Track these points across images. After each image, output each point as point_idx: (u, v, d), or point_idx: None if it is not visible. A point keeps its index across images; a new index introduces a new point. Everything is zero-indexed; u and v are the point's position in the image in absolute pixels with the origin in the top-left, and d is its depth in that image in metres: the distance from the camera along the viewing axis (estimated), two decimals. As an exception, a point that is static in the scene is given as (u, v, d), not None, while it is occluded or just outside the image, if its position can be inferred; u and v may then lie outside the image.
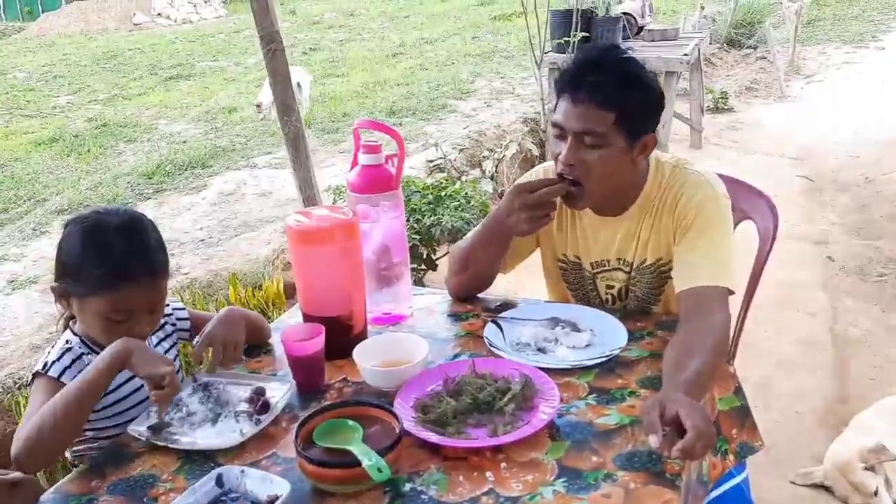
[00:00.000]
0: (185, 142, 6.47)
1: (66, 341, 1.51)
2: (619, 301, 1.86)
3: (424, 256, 3.54)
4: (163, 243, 1.51)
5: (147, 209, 4.85)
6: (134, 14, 16.34)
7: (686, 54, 5.60)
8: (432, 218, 3.37)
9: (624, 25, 5.90)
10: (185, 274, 3.56)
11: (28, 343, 3.26)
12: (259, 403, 1.45)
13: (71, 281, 1.45)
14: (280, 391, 1.49)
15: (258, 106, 7.11)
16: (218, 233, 4.45)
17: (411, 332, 1.73)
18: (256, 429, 1.39)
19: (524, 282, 1.81)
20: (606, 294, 1.87)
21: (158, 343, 1.61)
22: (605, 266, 1.83)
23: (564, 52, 5.36)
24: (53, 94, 9.54)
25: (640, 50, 4.91)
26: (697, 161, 1.84)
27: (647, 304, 1.85)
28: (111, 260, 1.41)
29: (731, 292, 1.61)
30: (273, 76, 3.23)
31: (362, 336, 1.66)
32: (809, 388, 3.04)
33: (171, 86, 9.49)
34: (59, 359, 1.45)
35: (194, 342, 1.62)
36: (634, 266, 1.80)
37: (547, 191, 1.62)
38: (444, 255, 3.61)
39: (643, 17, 6.34)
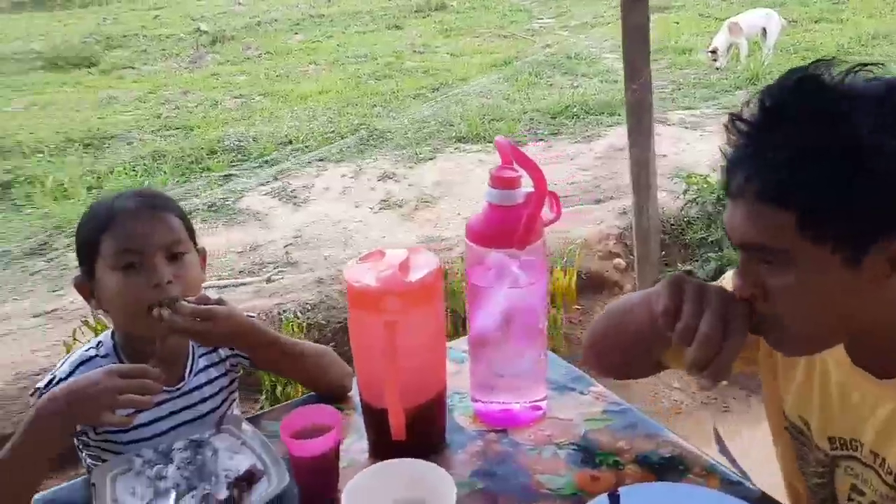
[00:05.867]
0: (615, 81, 6.08)
1: (99, 344, 1.28)
2: None
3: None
4: (174, 202, 1.29)
5: (535, 150, 4.66)
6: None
7: None
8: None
9: None
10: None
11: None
12: (237, 496, 1.09)
13: (82, 256, 1.24)
14: (269, 487, 1.11)
15: (712, 52, 6.31)
16: (582, 193, 4.05)
17: (511, 451, 1.18)
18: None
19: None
20: (850, 498, 1.00)
21: (205, 368, 1.33)
22: (850, 450, 0.97)
23: None
24: (537, 16, 9.92)
25: None
26: None
27: None
28: (108, 205, 1.22)
29: None
30: (624, 25, 2.61)
31: (420, 443, 1.15)
32: None
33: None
34: (67, 375, 1.22)
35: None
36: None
37: None
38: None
39: None
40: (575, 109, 5.28)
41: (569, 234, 3.24)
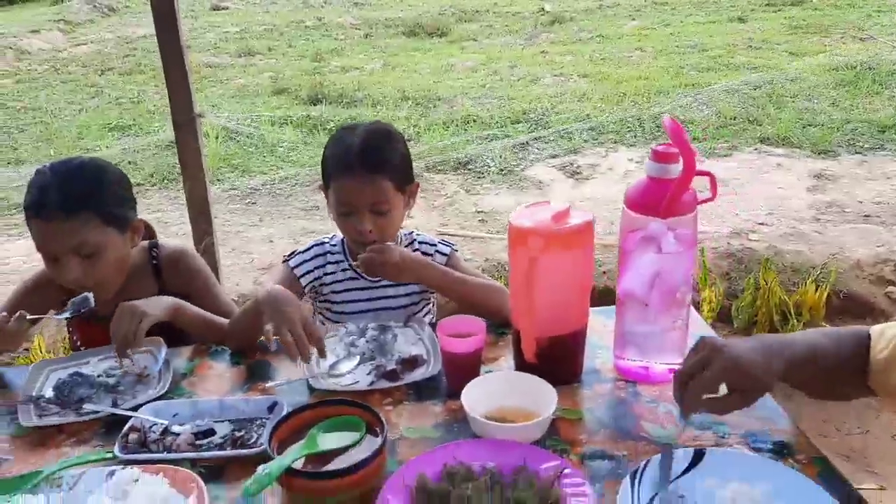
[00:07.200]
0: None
1: (333, 236, 1.64)
2: None
3: None
4: (402, 154, 1.51)
5: (846, 164, 4.29)
6: None
7: None
8: None
9: None
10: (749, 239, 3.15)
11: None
12: (400, 371, 1.39)
13: (323, 178, 1.56)
14: (424, 371, 1.39)
15: None
16: (884, 215, 3.67)
17: (632, 400, 1.31)
18: (363, 386, 1.35)
19: None
20: None
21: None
22: None
23: None
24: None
25: None
26: None
27: None
28: (338, 151, 1.50)
29: None
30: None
31: (552, 369, 1.32)
32: None
33: None
34: (305, 251, 1.62)
35: None
36: None
37: None
38: None
39: None
40: (907, 128, 4.72)
41: (840, 251, 3.01)
